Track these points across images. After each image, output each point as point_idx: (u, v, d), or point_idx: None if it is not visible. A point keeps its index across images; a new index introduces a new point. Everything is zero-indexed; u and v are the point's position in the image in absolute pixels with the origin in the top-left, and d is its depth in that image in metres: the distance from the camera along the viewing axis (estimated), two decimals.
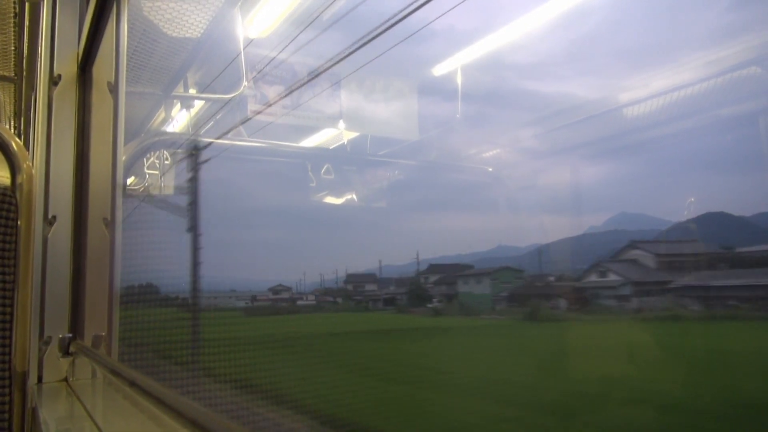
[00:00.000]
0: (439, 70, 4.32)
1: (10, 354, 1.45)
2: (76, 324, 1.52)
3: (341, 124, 4.16)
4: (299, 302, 22.79)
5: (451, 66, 4.26)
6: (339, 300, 23.26)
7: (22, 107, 3.50)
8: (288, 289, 23.31)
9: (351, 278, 23.67)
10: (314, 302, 23.26)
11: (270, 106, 3.82)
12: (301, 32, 3.34)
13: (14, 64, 3.08)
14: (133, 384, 0.82)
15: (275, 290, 22.99)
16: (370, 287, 23.23)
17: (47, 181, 1.56)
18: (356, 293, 23.39)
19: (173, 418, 0.63)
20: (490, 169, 5.06)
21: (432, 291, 20.14)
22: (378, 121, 4.40)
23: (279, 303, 22.29)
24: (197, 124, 4.09)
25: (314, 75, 3.93)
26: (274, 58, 3.78)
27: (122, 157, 1.69)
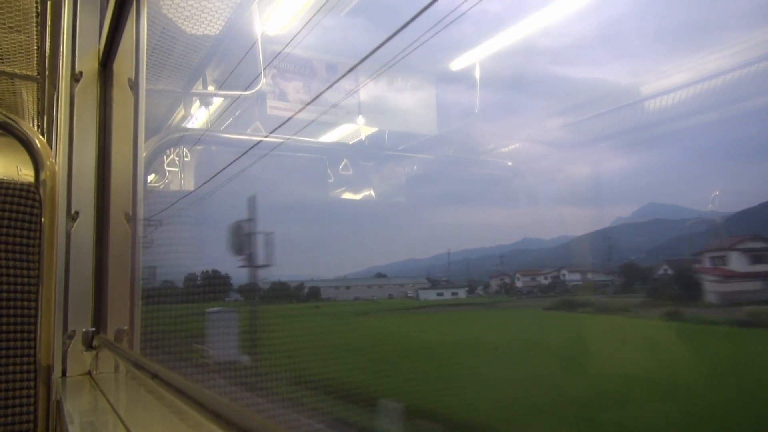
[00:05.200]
0: (469, 58, 4.21)
1: (35, 348, 1.47)
2: (99, 318, 1.54)
3: (365, 118, 4.13)
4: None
5: (480, 54, 4.14)
6: None
7: (45, 106, 3.55)
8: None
9: None
10: None
11: (289, 101, 3.83)
12: (323, 18, 3.31)
13: (37, 64, 3.12)
14: (155, 376, 0.83)
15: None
16: None
17: (70, 178, 1.58)
18: None
19: (195, 409, 0.63)
20: (510, 164, 5.00)
21: None
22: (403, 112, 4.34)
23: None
24: (216, 120, 4.11)
25: (333, 69, 3.93)
26: (293, 53, 3.79)
27: (143, 153, 1.70)
